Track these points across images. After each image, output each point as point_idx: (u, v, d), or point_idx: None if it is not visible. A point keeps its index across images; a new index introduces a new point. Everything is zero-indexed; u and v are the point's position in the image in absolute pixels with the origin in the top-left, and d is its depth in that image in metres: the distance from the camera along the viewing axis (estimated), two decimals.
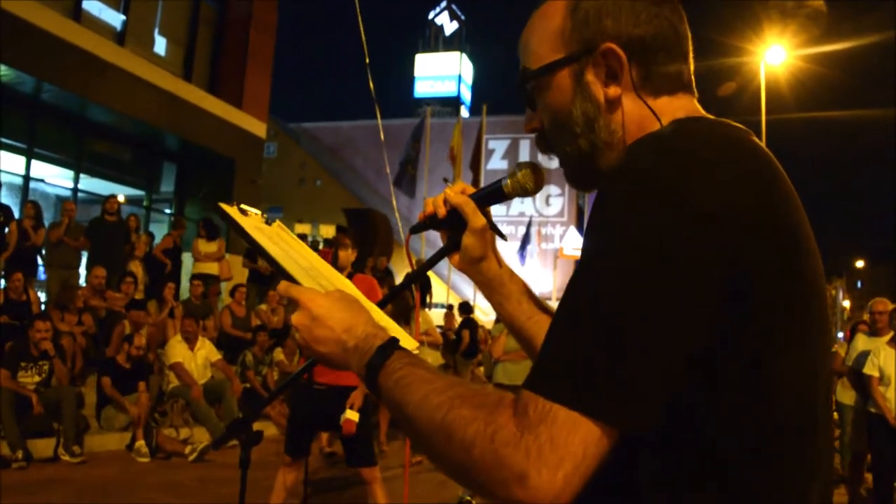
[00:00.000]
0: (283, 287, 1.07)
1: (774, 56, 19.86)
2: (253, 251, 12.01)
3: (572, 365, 0.80)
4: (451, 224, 1.33)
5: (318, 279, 1.15)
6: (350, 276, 4.82)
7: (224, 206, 1.18)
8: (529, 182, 1.28)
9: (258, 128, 16.00)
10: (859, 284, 72.53)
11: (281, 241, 1.22)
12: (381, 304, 1.33)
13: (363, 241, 11.76)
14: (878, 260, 69.68)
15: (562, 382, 0.79)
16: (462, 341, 13.24)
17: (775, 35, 19.83)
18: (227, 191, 14.86)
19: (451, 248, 1.36)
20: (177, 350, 8.45)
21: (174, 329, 9.23)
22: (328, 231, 6.11)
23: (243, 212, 1.22)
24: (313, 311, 1.01)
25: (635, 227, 0.82)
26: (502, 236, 1.40)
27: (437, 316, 14.39)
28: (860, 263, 68.94)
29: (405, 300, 8.25)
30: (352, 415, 4.53)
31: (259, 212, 1.29)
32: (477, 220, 1.29)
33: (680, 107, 1.01)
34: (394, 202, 11.60)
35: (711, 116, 1.01)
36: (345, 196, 35.99)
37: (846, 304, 60.11)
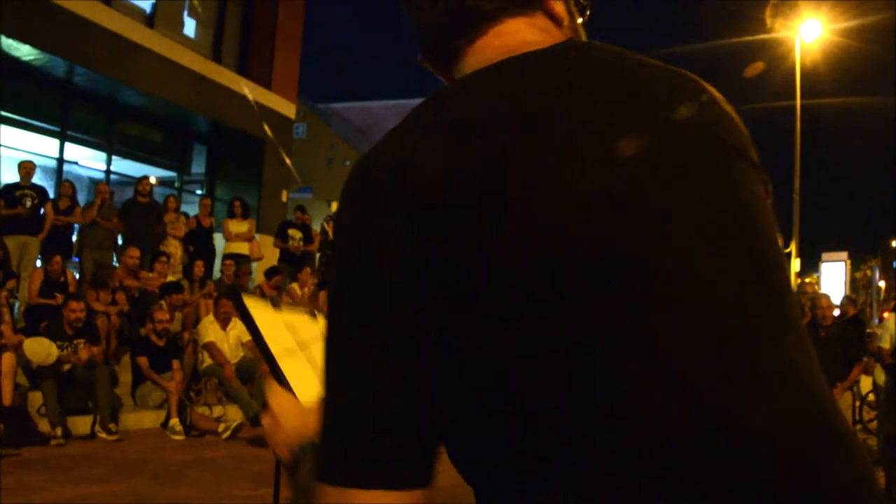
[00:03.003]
0: (266, 387, 1.05)
1: (810, 32, 19.45)
2: (284, 230, 12.12)
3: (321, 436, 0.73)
4: None
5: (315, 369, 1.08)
6: None
7: (247, 299, 1.14)
8: None
9: (288, 108, 16.02)
10: (895, 265, 71.15)
11: (304, 334, 1.16)
12: None
13: None
14: None
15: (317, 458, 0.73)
16: None
17: (811, 9, 19.39)
18: (258, 172, 14.97)
19: None
20: (210, 330, 8.56)
21: (206, 309, 9.33)
22: None
23: (275, 303, 1.19)
24: (275, 412, 0.97)
25: None
26: None
27: None
28: None
29: None
30: None
31: (307, 310, 1.25)
32: None
33: None
34: None
35: None
36: None
37: (881, 284, 59.08)
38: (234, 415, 8.03)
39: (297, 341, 1.13)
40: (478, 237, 0.68)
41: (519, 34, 0.87)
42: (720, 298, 0.71)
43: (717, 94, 0.85)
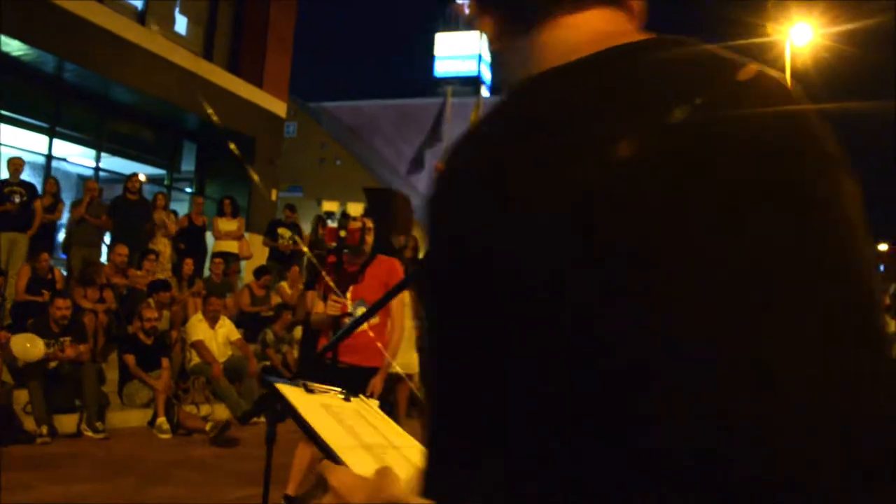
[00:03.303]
0: (320, 466, 1.01)
1: (800, 35, 19.57)
2: (273, 229, 12.11)
3: None
4: None
5: (374, 457, 1.07)
6: (372, 257, 4.83)
7: (281, 387, 1.13)
8: None
9: (278, 107, 16.01)
10: (882, 268, 71.82)
11: (346, 417, 1.15)
12: (391, 294, 1.31)
13: (383, 221, 11.76)
14: None
15: None
16: None
17: (802, 13, 19.50)
18: (246, 170, 14.95)
19: None
20: (198, 328, 8.53)
21: (195, 307, 9.32)
22: (356, 209, 6.13)
23: (309, 390, 1.19)
24: (340, 491, 0.93)
25: None
26: None
27: None
28: (883, 247, 68.23)
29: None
30: (371, 403, 4.52)
31: (338, 389, 1.24)
32: None
33: None
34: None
35: None
36: (365, 176, 36.01)
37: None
38: (222, 413, 8.01)
39: (338, 420, 1.13)
40: None
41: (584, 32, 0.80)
42: None
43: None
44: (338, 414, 1.16)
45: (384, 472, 0.78)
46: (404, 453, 1.12)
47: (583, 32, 0.80)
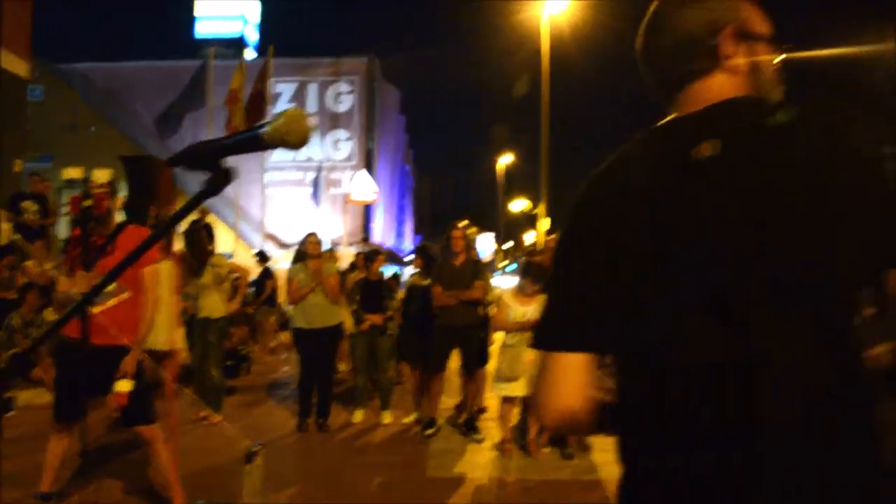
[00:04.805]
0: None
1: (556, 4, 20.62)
2: (15, 201, 10.97)
3: None
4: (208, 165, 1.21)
5: None
6: (122, 227, 4.49)
7: None
8: (293, 133, 1.15)
9: (19, 66, 14.47)
10: None
11: None
12: (142, 249, 1.22)
13: (142, 191, 11.03)
14: None
15: None
16: (265, 290, 12.98)
17: None
18: None
19: (215, 187, 1.25)
20: None
21: None
22: (102, 176, 5.60)
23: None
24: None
25: None
26: None
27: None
28: None
29: (203, 246, 7.89)
30: (124, 385, 4.18)
31: None
32: None
33: None
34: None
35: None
36: (123, 143, 33.58)
37: None
38: None
39: None
40: None
41: (705, 92, 1.40)
42: None
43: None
44: None
45: None
46: None
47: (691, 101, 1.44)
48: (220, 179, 1.23)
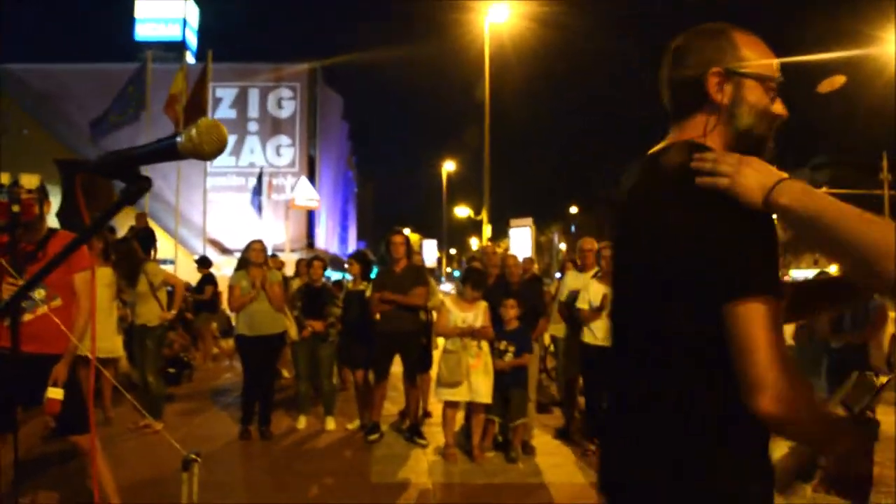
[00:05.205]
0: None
1: (498, 13, 20.79)
2: None
3: None
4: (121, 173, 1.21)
5: None
6: (53, 233, 4.38)
7: None
8: (206, 144, 1.15)
9: None
10: (573, 228, 79.25)
11: None
12: (46, 270, 1.21)
13: (75, 196, 10.80)
14: (589, 206, 76.95)
15: None
16: (205, 296, 12.80)
17: None
18: None
19: (130, 196, 1.24)
20: None
21: None
22: (31, 181, 5.43)
23: None
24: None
25: None
26: None
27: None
28: (574, 209, 75.37)
29: (135, 255, 7.73)
30: (55, 392, 4.05)
31: None
32: None
33: None
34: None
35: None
36: (57, 147, 32.73)
37: (562, 246, 65.56)
38: None
39: None
40: None
41: (688, 129, 1.61)
42: None
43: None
44: None
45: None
46: None
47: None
48: (138, 188, 1.22)
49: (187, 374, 10.78)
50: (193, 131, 1.14)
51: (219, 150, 1.16)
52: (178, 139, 1.15)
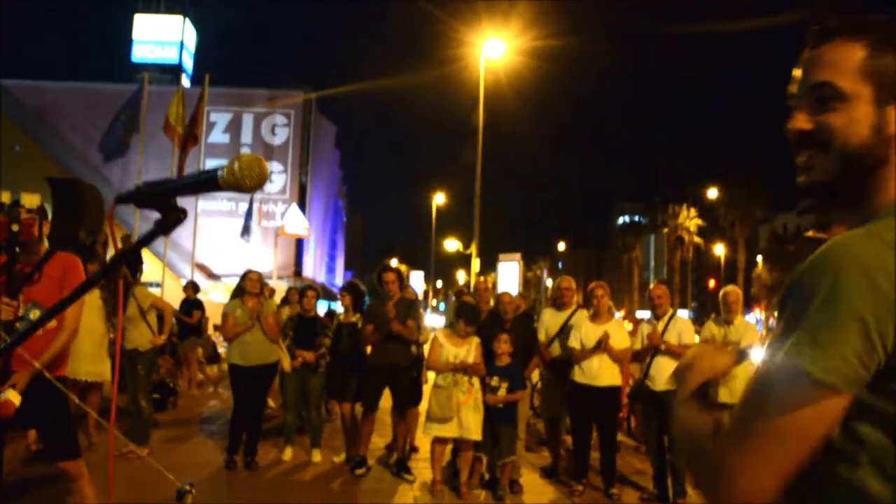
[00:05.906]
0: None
1: (494, 49, 21.00)
2: None
3: None
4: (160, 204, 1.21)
5: None
6: (49, 255, 4.34)
7: None
8: (248, 179, 1.16)
9: None
10: (560, 265, 79.59)
11: None
12: (90, 284, 1.20)
13: (70, 215, 10.73)
14: (577, 244, 77.42)
15: None
16: (192, 320, 12.71)
17: (496, 27, 20.92)
18: None
19: (165, 226, 1.24)
20: None
21: None
22: (32, 200, 5.42)
23: None
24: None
25: None
26: None
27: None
28: (562, 246, 75.79)
29: (123, 277, 7.68)
30: (12, 396, 3.85)
31: None
32: None
33: None
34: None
35: None
36: (49, 164, 32.61)
37: (549, 282, 65.71)
38: None
39: None
40: None
41: None
42: None
43: None
44: None
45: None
46: None
47: None
48: (174, 218, 1.22)
49: (172, 401, 10.64)
50: (236, 165, 1.15)
51: (259, 184, 1.17)
52: (220, 173, 1.16)
